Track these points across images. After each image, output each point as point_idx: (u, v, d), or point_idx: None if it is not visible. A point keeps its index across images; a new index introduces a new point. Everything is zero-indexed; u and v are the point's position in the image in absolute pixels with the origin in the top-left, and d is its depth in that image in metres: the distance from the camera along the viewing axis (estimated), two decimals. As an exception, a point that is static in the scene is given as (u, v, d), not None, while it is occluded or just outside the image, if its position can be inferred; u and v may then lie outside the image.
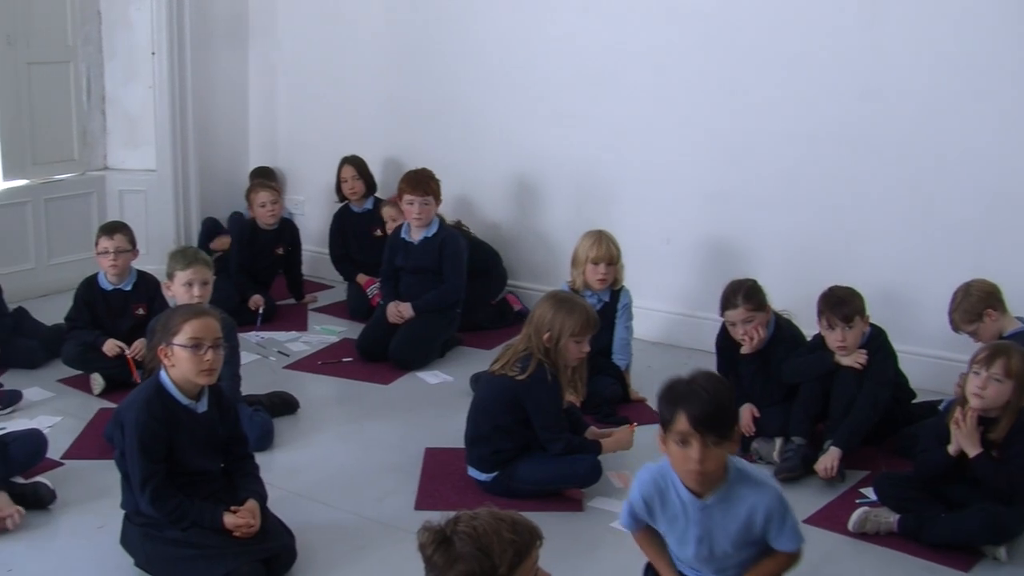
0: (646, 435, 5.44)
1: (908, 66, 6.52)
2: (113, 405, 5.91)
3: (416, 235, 7.35)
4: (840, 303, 5.59)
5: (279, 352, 7.34)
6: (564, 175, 7.91)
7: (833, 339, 5.61)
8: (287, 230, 8.38)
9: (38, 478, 5.18)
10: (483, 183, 8.31)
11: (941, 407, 5.75)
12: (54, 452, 5.57)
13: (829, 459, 5.41)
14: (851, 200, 6.81)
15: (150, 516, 4.37)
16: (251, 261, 8.16)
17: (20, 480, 5.14)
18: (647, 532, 3.95)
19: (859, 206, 6.79)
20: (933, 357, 6.44)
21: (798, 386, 5.74)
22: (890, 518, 4.91)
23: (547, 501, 5.14)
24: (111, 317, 6.71)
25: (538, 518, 3.09)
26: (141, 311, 6.67)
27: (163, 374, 4.44)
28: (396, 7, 8.57)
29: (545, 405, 5.12)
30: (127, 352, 6.49)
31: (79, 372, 6.67)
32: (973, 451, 4.74)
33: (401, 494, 5.30)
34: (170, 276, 5.90)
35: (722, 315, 5.94)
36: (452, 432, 5.68)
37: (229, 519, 4.37)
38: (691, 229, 7.41)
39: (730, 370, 5.99)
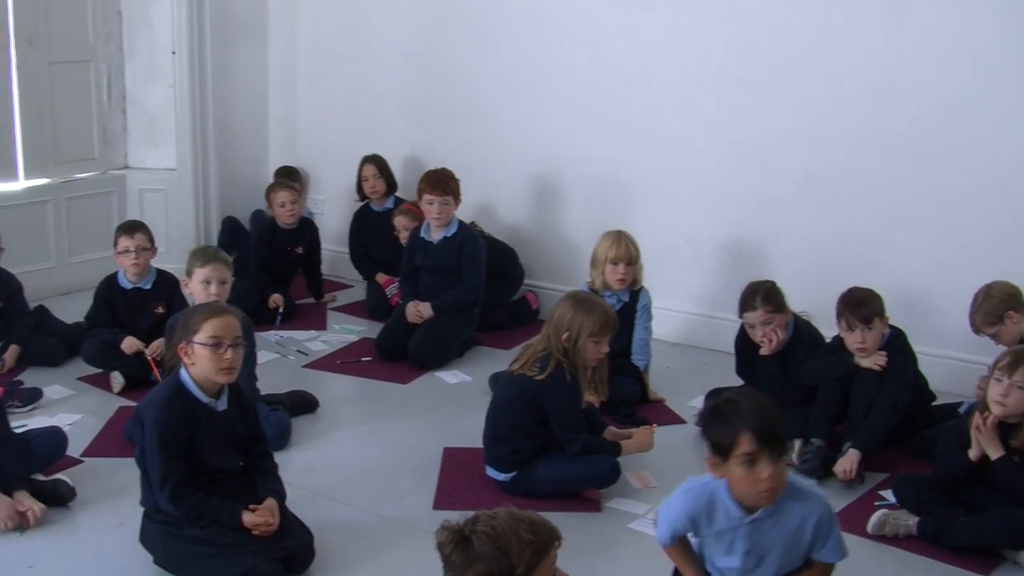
0: (665, 436, 5.46)
1: (930, 67, 6.49)
2: (133, 403, 5.93)
3: (436, 235, 7.36)
4: (859, 304, 5.56)
5: (298, 351, 7.35)
6: (584, 175, 7.90)
7: (852, 341, 5.59)
8: (307, 229, 8.39)
9: (58, 475, 5.21)
10: (503, 183, 8.30)
11: (961, 409, 5.74)
12: (74, 450, 5.59)
13: (848, 461, 5.39)
14: (871, 201, 6.79)
15: (169, 514, 4.38)
16: (270, 260, 8.17)
17: (40, 477, 5.16)
18: (680, 544, 3.90)
19: (879, 207, 6.77)
20: (953, 359, 6.42)
21: (817, 388, 5.73)
22: (909, 521, 4.89)
23: (565, 501, 5.13)
24: (131, 316, 6.74)
25: (556, 518, 3.09)
26: (161, 310, 6.70)
27: (183, 372, 4.45)
28: (417, 6, 8.57)
29: (564, 405, 5.12)
30: (146, 352, 6.51)
31: (99, 370, 6.69)
32: (996, 453, 4.71)
33: (419, 493, 5.29)
34: (188, 274, 5.91)
35: (741, 317, 5.93)
36: (471, 432, 5.68)
37: (248, 517, 4.37)
38: (711, 230, 7.39)
39: (749, 372, 5.98)
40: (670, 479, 5.07)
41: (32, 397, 6.30)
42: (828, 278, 6.38)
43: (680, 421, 6.20)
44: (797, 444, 5.63)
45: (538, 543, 2.85)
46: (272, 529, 4.41)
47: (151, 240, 6.79)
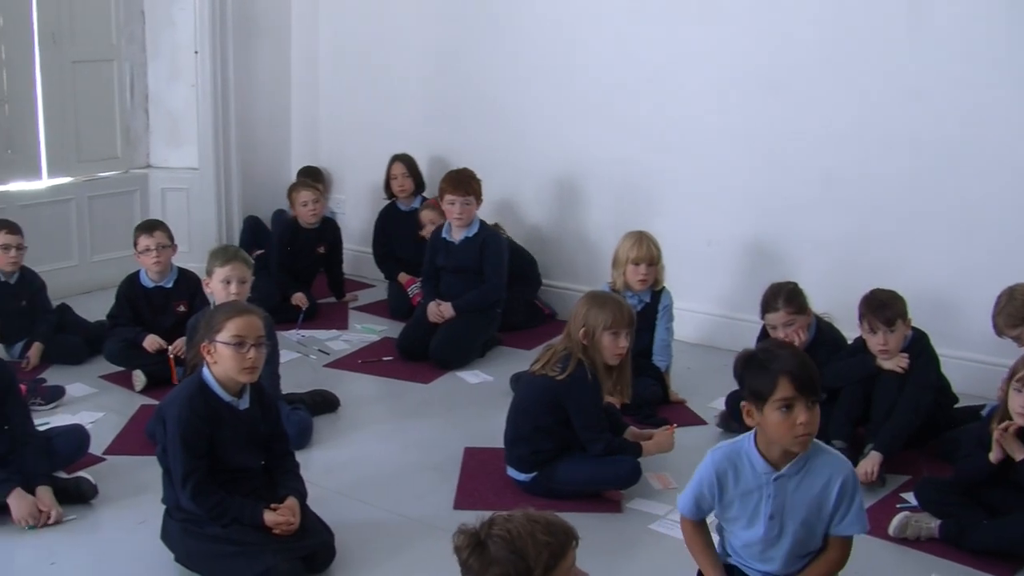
0: (686, 437, 5.45)
1: (954, 68, 6.47)
2: (154, 402, 5.95)
3: (457, 235, 7.36)
4: (882, 306, 5.54)
5: (320, 350, 7.36)
6: (605, 176, 7.90)
7: (875, 343, 5.57)
8: (328, 229, 8.41)
9: (80, 473, 5.24)
10: (524, 183, 8.31)
11: (983, 412, 5.72)
12: (96, 447, 5.61)
13: (870, 463, 5.37)
14: (894, 203, 6.76)
15: (191, 512, 4.39)
16: (292, 260, 8.19)
17: (63, 475, 5.19)
18: (699, 526, 3.95)
19: (902, 209, 6.74)
20: (976, 361, 6.39)
21: (839, 389, 5.70)
22: (931, 523, 4.87)
23: (586, 502, 5.12)
24: (153, 314, 6.77)
25: (577, 519, 3.08)
26: (182, 308, 6.73)
27: (205, 371, 4.46)
28: (439, 7, 8.58)
29: (585, 405, 5.11)
30: (169, 350, 6.53)
31: (121, 368, 6.73)
32: (1021, 455, 4.69)
33: (440, 493, 5.30)
34: (209, 273, 5.92)
35: (763, 318, 5.92)
36: (492, 432, 5.68)
37: (269, 516, 4.38)
38: (733, 231, 7.38)
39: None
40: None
41: (55, 395, 6.33)
42: (850, 280, 6.37)
43: (701, 422, 6.19)
44: (818, 446, 5.61)
45: (555, 545, 2.84)
46: (293, 528, 4.42)
47: (171, 238, 6.81)
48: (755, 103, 7.16)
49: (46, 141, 8.30)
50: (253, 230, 9.06)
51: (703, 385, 6.69)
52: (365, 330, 7.83)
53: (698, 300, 7.41)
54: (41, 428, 5.38)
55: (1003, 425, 4.70)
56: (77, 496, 5.05)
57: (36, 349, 6.86)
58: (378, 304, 8.47)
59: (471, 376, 6.97)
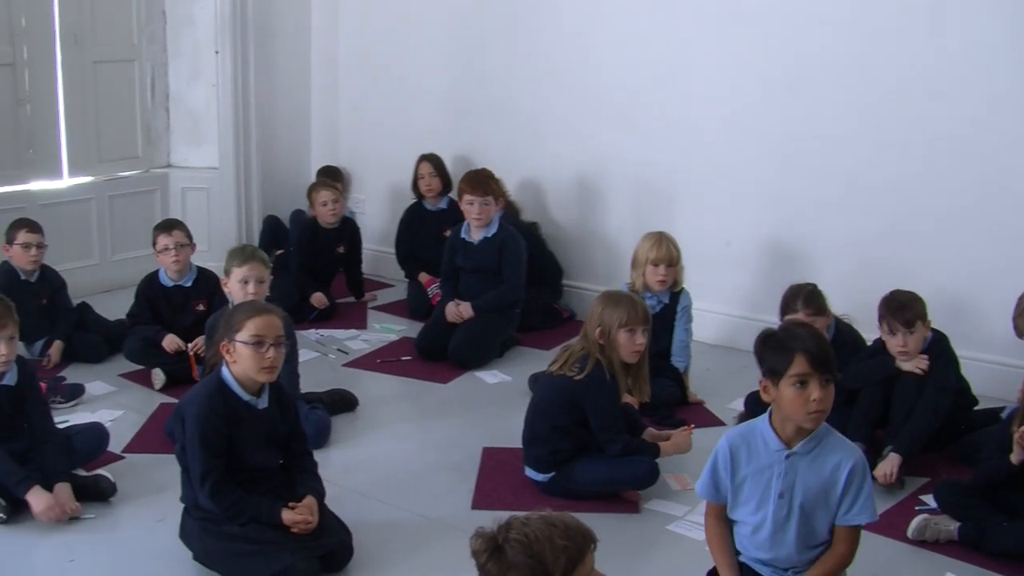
0: (705, 438, 5.43)
1: (974, 68, 6.44)
2: (174, 400, 5.97)
3: (476, 235, 7.36)
4: (902, 308, 5.52)
5: (338, 350, 7.37)
6: (626, 176, 7.89)
7: (894, 344, 5.55)
8: (348, 229, 8.42)
9: (99, 471, 5.25)
10: (544, 184, 8.31)
11: (1004, 415, 5.69)
12: (115, 445, 5.62)
13: (889, 465, 5.35)
14: (914, 203, 6.74)
15: (209, 510, 4.40)
16: (312, 259, 8.20)
17: (82, 472, 5.20)
18: (718, 513, 3.98)
19: (922, 209, 6.72)
20: (996, 363, 6.37)
21: (858, 391, 5.69)
22: (950, 526, 4.85)
23: (604, 502, 5.11)
24: (172, 313, 6.79)
25: (594, 519, 3.08)
26: (202, 307, 6.76)
27: (224, 370, 4.47)
28: (459, 6, 8.59)
29: (603, 405, 5.11)
30: (188, 348, 6.55)
31: (141, 367, 6.75)
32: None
33: (458, 493, 5.29)
34: (227, 272, 5.92)
35: (782, 319, 5.90)
36: (510, 432, 5.68)
37: (287, 515, 4.39)
38: (752, 231, 7.37)
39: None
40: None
41: (74, 393, 6.35)
42: (870, 281, 6.34)
43: (719, 423, 6.18)
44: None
45: (573, 548, 2.83)
46: (311, 527, 4.42)
47: (189, 236, 6.84)
48: (775, 104, 7.15)
49: (67, 141, 8.34)
50: (273, 230, 9.07)
51: (722, 386, 6.68)
52: (384, 330, 7.84)
53: (717, 301, 7.40)
54: (61, 426, 5.39)
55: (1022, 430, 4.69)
56: (96, 494, 5.07)
57: (57, 347, 6.90)
58: (397, 304, 8.48)
59: (489, 376, 6.97)
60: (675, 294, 6.51)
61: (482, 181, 7.31)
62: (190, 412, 4.39)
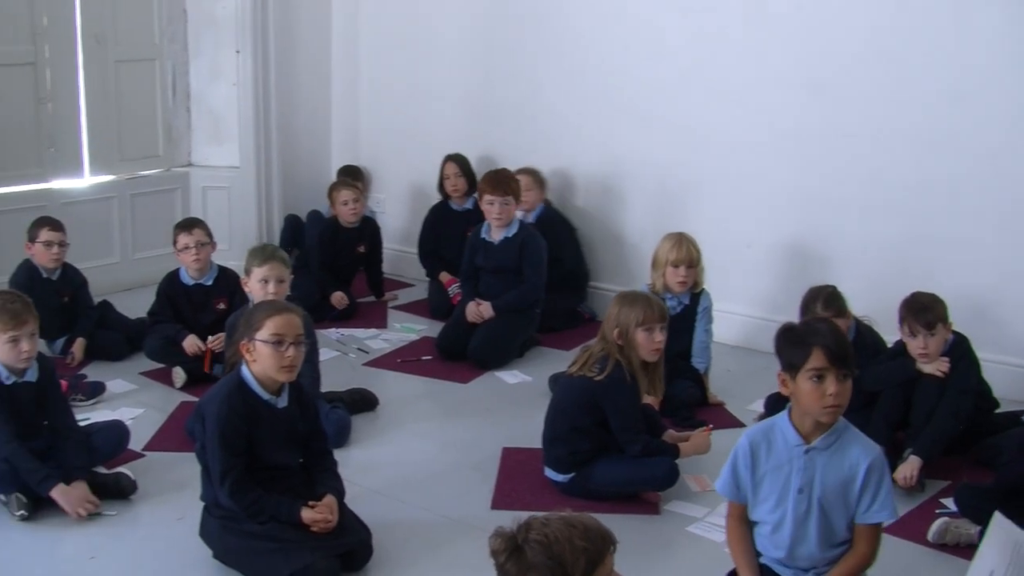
0: (725, 439, 5.42)
1: (1000, 68, 6.41)
2: (194, 399, 5.97)
3: (496, 235, 7.36)
4: (922, 310, 5.50)
5: (359, 349, 7.38)
6: (646, 177, 7.88)
7: (915, 346, 5.53)
8: (368, 228, 8.43)
9: (120, 469, 5.27)
10: (564, 184, 8.30)
11: (1025, 418, 5.69)
12: (136, 444, 5.65)
13: (909, 468, 5.33)
14: (936, 205, 6.71)
15: (229, 509, 4.41)
16: (332, 259, 8.21)
17: (102, 470, 5.22)
18: (740, 514, 3.98)
19: (944, 211, 6.69)
20: (1018, 366, 6.36)
21: (878, 393, 5.68)
22: (971, 530, 4.82)
23: (623, 503, 5.11)
24: (193, 311, 6.81)
25: (614, 520, 3.08)
26: (222, 306, 6.76)
27: (244, 369, 4.48)
28: (480, 6, 8.59)
29: (623, 406, 5.11)
30: (208, 342, 6.58)
31: (161, 365, 6.77)
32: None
33: (478, 493, 5.30)
34: (247, 272, 5.92)
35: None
36: (530, 432, 5.68)
37: (307, 514, 4.39)
38: (773, 232, 7.35)
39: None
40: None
41: (95, 391, 6.38)
42: (891, 282, 6.33)
43: (740, 424, 6.16)
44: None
45: (592, 550, 2.82)
46: (331, 526, 4.43)
47: (209, 235, 6.86)
48: (797, 105, 7.13)
49: (89, 139, 8.38)
50: (293, 228, 9.08)
51: (742, 387, 6.67)
52: (404, 329, 7.85)
53: (738, 302, 7.39)
54: (81, 424, 5.40)
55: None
56: (117, 492, 5.09)
57: (80, 345, 6.93)
58: (417, 303, 8.48)
59: (509, 376, 6.97)
60: (695, 295, 6.50)
61: (502, 181, 7.31)
62: (210, 411, 4.40)
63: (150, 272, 7.83)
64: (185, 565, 4.57)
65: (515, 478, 5.45)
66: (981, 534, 4.75)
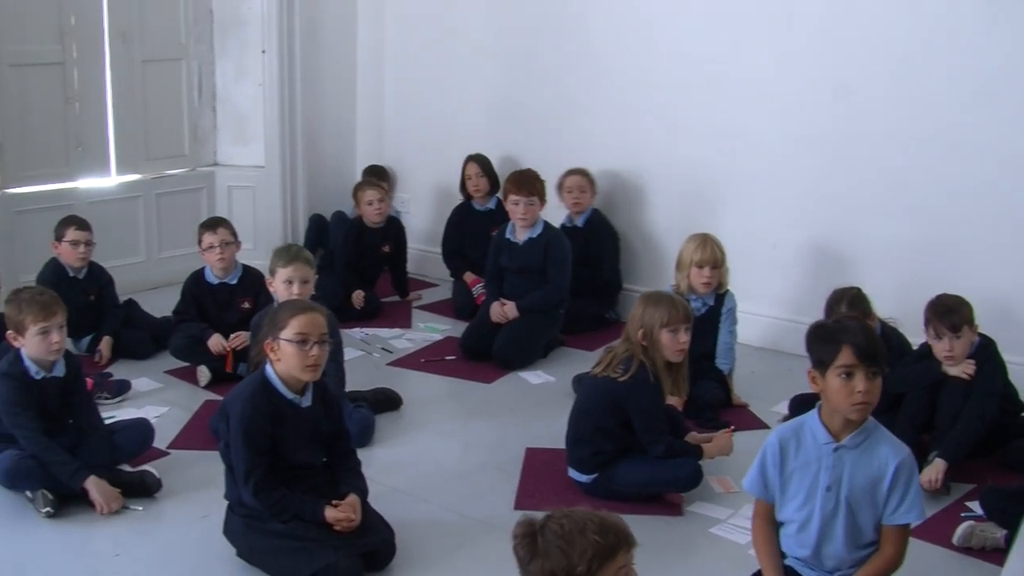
0: (749, 441, 5.42)
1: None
2: (219, 397, 5.99)
3: (521, 235, 7.36)
4: (948, 312, 5.48)
5: (383, 349, 7.39)
6: (671, 177, 7.86)
7: (940, 349, 5.51)
8: (393, 228, 8.43)
9: (145, 467, 5.29)
10: (588, 184, 8.29)
11: (1051, 420, 5.65)
12: (160, 442, 5.67)
13: (934, 471, 5.30)
14: (961, 206, 6.67)
15: (252, 507, 4.42)
16: (357, 259, 8.22)
17: (127, 468, 5.25)
18: (766, 514, 3.98)
19: (971, 212, 6.65)
20: (1045, 369, 6.32)
21: (903, 396, 5.65)
22: (997, 533, 4.80)
23: (646, 504, 5.10)
24: (218, 311, 6.83)
25: (636, 521, 3.08)
26: (247, 305, 6.78)
27: (268, 368, 4.49)
28: (506, 6, 8.58)
29: (647, 407, 5.10)
30: (231, 340, 6.60)
31: (186, 364, 6.79)
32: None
33: (501, 493, 5.30)
34: (272, 272, 5.95)
35: (826, 322, 5.88)
36: (553, 432, 5.68)
37: (330, 513, 4.40)
38: (798, 233, 7.32)
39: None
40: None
41: (120, 389, 6.41)
42: (916, 284, 6.30)
43: (764, 426, 6.14)
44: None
45: (603, 546, 2.80)
46: (354, 525, 4.44)
47: (234, 234, 6.88)
48: (822, 106, 7.10)
49: (115, 139, 8.41)
50: (318, 228, 9.10)
51: (766, 389, 6.65)
52: (428, 329, 7.85)
53: (762, 303, 7.36)
54: (107, 422, 5.43)
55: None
56: (141, 490, 5.11)
57: (107, 343, 6.97)
58: (441, 303, 8.48)
59: (533, 376, 6.96)
60: (720, 296, 6.49)
61: (527, 181, 7.31)
62: (234, 410, 4.41)
63: (175, 271, 7.86)
64: (209, 563, 4.59)
65: (538, 478, 5.46)
66: (1007, 538, 4.75)
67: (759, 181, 7.42)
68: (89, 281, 7.07)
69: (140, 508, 5.01)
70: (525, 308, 7.23)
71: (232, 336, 6.63)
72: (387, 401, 6.30)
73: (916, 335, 5.82)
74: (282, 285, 5.85)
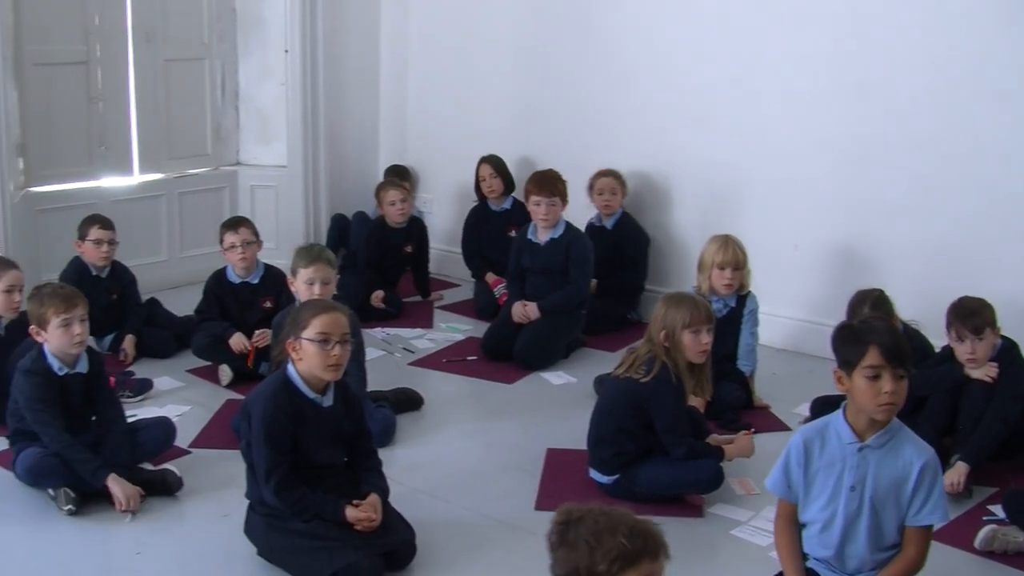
0: (769, 442, 5.41)
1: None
2: (240, 396, 6.01)
3: (543, 236, 7.36)
4: (970, 314, 5.46)
5: (404, 349, 7.39)
6: (692, 179, 7.85)
7: (962, 351, 5.49)
8: (415, 228, 8.45)
9: (166, 465, 5.31)
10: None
11: (1074, 424, 5.62)
12: (182, 440, 5.69)
13: (956, 474, 5.28)
14: (984, 208, 6.64)
15: (274, 507, 4.43)
16: (380, 259, 8.23)
17: (149, 467, 5.27)
18: (789, 515, 3.97)
19: (992, 214, 6.62)
20: (1068, 372, 6.28)
21: (925, 398, 5.63)
22: (1019, 537, 4.77)
23: (668, 506, 5.09)
24: (240, 310, 6.84)
25: (657, 523, 3.06)
26: (269, 304, 6.80)
27: (290, 367, 4.49)
28: (528, 7, 8.58)
29: (669, 408, 5.09)
30: (254, 338, 6.62)
31: (208, 363, 6.80)
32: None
33: (522, 494, 5.29)
34: (293, 272, 5.94)
35: (848, 325, 5.86)
36: (574, 433, 5.67)
37: (351, 512, 4.41)
38: (819, 235, 7.30)
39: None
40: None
41: (142, 388, 6.43)
42: (938, 286, 6.26)
43: (785, 427, 6.12)
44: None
45: (629, 550, 2.78)
46: (375, 525, 4.44)
47: (256, 234, 6.90)
48: (844, 106, 7.08)
49: (138, 138, 8.44)
50: (340, 228, 9.12)
51: (788, 390, 6.63)
52: (450, 329, 7.85)
53: (784, 305, 7.35)
54: (129, 420, 5.44)
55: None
56: (163, 488, 5.12)
57: (130, 341, 6.98)
58: (463, 303, 8.49)
59: (554, 377, 6.96)
60: (741, 297, 6.47)
61: (549, 182, 7.31)
62: (256, 409, 4.42)
63: (197, 270, 7.89)
64: (229, 562, 4.60)
65: (559, 479, 5.45)
66: (1031, 541, 4.74)
67: (781, 182, 7.41)
68: (112, 280, 7.10)
69: (128, 519, 4.98)
70: (547, 309, 7.23)
71: (257, 333, 6.64)
72: (408, 401, 6.31)
73: (938, 337, 5.80)
74: (303, 286, 5.85)
